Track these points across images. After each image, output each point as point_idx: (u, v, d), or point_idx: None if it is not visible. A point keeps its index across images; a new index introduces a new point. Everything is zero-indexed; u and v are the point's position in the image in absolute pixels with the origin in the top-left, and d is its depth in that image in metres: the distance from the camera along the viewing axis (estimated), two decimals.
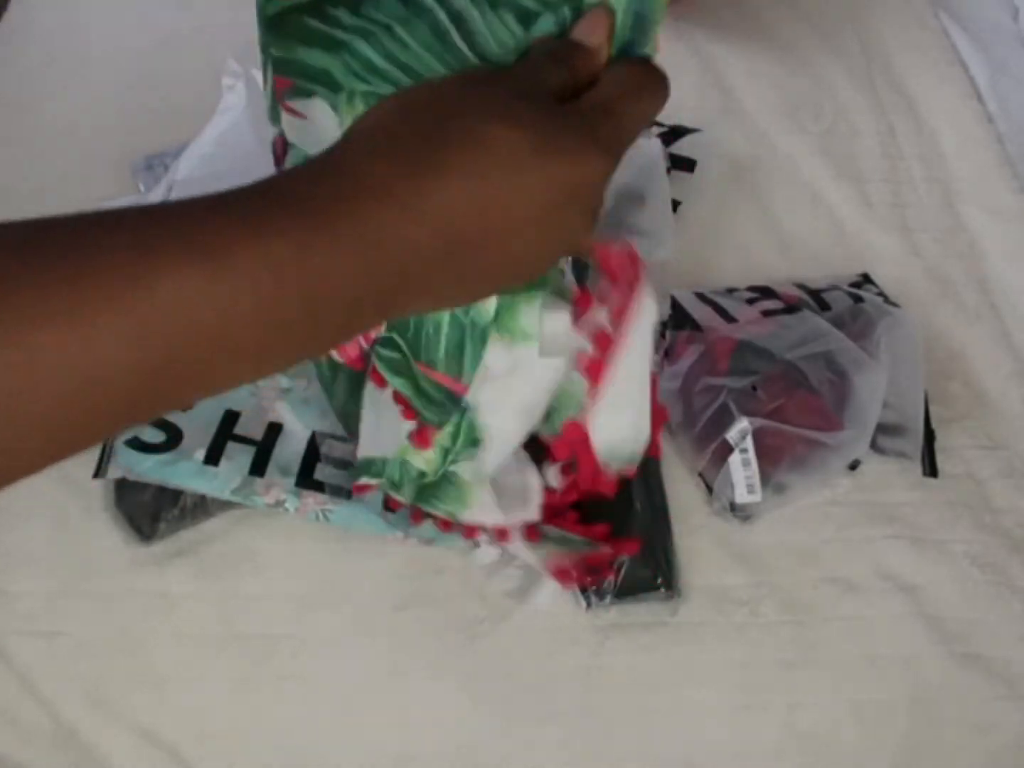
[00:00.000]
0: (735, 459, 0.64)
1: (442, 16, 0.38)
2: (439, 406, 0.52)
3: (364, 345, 0.56)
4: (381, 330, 0.53)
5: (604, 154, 0.32)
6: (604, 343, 0.50)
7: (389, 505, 0.63)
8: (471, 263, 0.31)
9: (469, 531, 0.60)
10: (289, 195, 0.28)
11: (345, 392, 0.62)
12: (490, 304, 0.44)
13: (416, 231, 0.29)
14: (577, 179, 0.31)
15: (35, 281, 0.24)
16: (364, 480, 0.60)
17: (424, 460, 0.55)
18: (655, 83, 0.36)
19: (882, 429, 0.67)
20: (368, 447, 0.59)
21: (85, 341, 0.24)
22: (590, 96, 0.33)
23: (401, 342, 0.52)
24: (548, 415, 0.52)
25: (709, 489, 0.66)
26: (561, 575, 0.60)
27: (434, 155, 0.29)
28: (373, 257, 0.28)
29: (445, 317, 0.48)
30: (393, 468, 0.58)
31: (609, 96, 0.34)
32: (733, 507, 0.65)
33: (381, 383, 0.55)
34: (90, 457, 0.65)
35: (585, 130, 0.32)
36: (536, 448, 0.55)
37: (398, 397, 0.55)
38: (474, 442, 0.53)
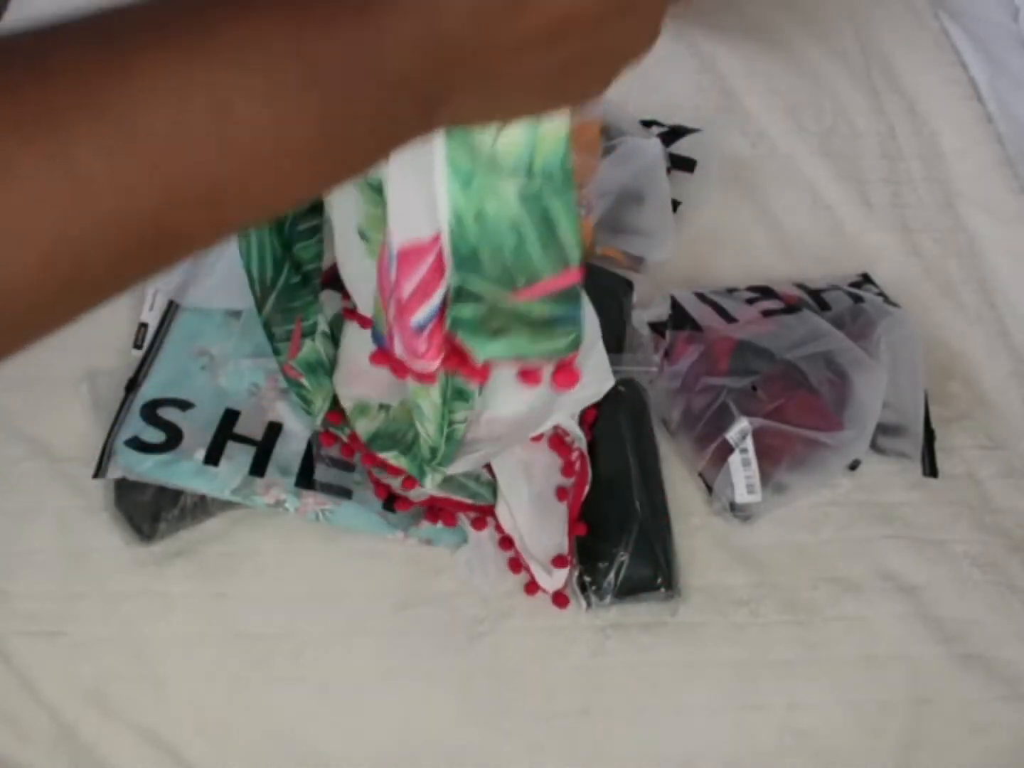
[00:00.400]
0: (735, 459, 0.64)
1: None
2: (562, 325, 0.44)
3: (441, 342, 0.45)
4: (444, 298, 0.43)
5: None
6: None
7: (392, 506, 0.63)
8: (522, 42, 0.25)
9: (479, 521, 0.60)
10: None
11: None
12: (557, 145, 0.35)
13: (450, 8, 0.24)
14: None
15: None
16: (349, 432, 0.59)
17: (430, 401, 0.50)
18: None
19: (882, 429, 0.67)
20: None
21: (61, 152, 0.20)
22: None
23: (479, 284, 0.41)
24: None
25: (709, 489, 0.66)
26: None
27: None
28: (394, 38, 0.23)
29: (514, 207, 0.37)
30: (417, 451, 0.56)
31: None
32: (733, 507, 0.65)
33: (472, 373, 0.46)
34: (90, 457, 0.65)
35: None
36: None
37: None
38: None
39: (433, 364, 0.46)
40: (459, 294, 0.41)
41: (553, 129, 0.34)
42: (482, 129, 0.33)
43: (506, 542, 0.62)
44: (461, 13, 0.23)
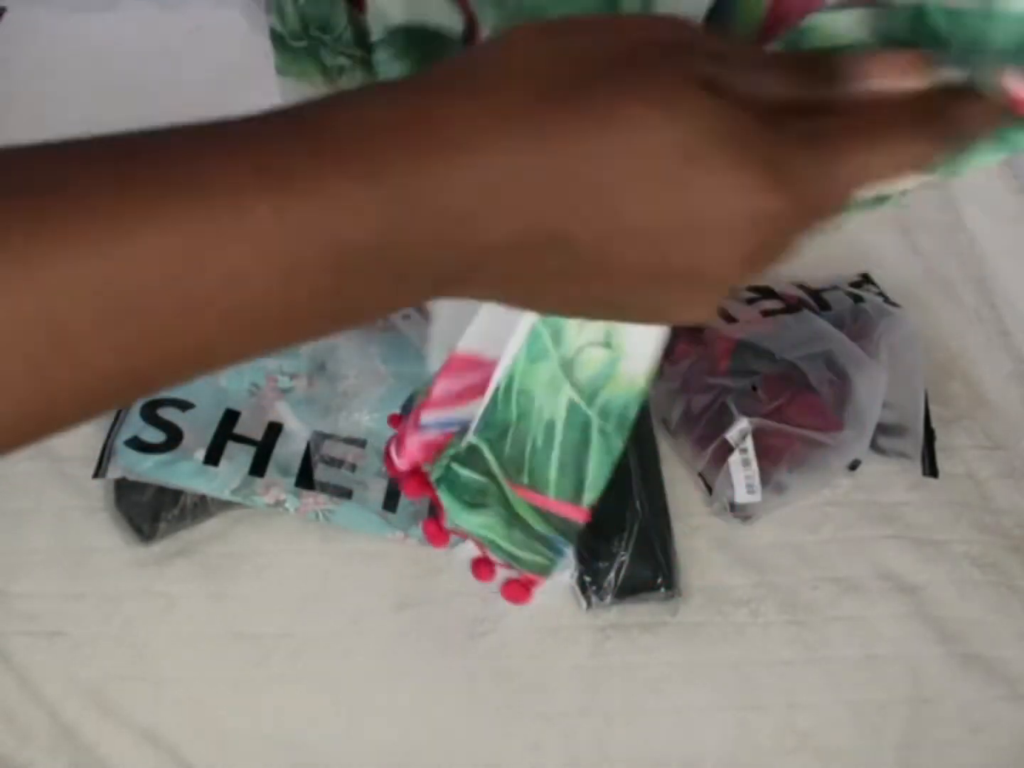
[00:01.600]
0: (735, 459, 0.64)
1: None
2: (543, 543, 0.43)
3: (421, 459, 0.45)
4: (451, 439, 0.41)
5: (795, 199, 0.23)
6: None
7: (393, 506, 0.63)
8: (554, 268, 0.23)
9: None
10: (327, 131, 0.21)
11: None
12: (627, 394, 0.35)
13: (474, 200, 0.21)
14: (738, 216, 0.22)
15: None
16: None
17: None
18: (936, 126, 0.25)
19: (882, 429, 0.67)
20: None
21: (42, 295, 0.19)
22: (816, 122, 0.24)
23: (490, 456, 0.40)
24: None
25: (709, 489, 0.66)
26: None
27: (566, 122, 0.21)
28: (435, 221, 0.21)
29: (560, 415, 0.36)
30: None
31: (850, 129, 0.24)
32: (733, 507, 0.65)
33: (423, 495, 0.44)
34: (90, 457, 0.65)
35: (783, 157, 0.23)
36: None
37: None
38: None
39: (401, 464, 0.44)
40: (468, 452, 0.40)
41: (631, 376, 0.33)
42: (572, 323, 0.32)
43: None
44: (485, 209, 0.21)
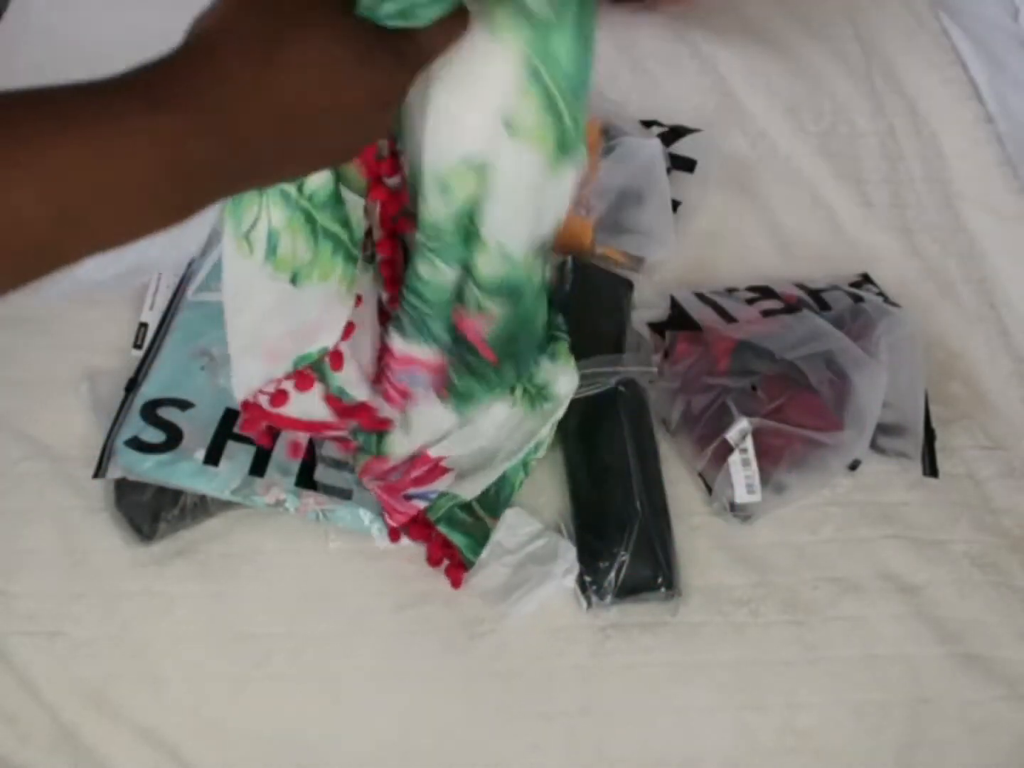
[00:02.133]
0: (735, 459, 0.64)
1: None
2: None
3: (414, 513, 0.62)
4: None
5: (408, 71, 0.40)
6: None
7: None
8: (297, 141, 0.37)
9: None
10: (160, 82, 0.34)
11: None
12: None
13: (258, 114, 0.35)
14: (386, 89, 0.39)
15: None
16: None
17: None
18: (458, 25, 0.42)
19: (882, 429, 0.67)
20: None
21: (3, 197, 0.29)
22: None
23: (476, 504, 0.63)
24: None
25: (709, 489, 0.66)
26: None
27: (277, 54, 0.35)
28: (225, 135, 0.34)
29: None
30: None
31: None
32: (733, 507, 0.65)
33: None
34: (90, 457, 0.65)
35: (396, 48, 0.38)
36: None
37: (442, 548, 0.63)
38: None
39: (400, 519, 0.61)
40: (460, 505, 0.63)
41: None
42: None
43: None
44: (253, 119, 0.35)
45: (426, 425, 0.62)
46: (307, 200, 0.50)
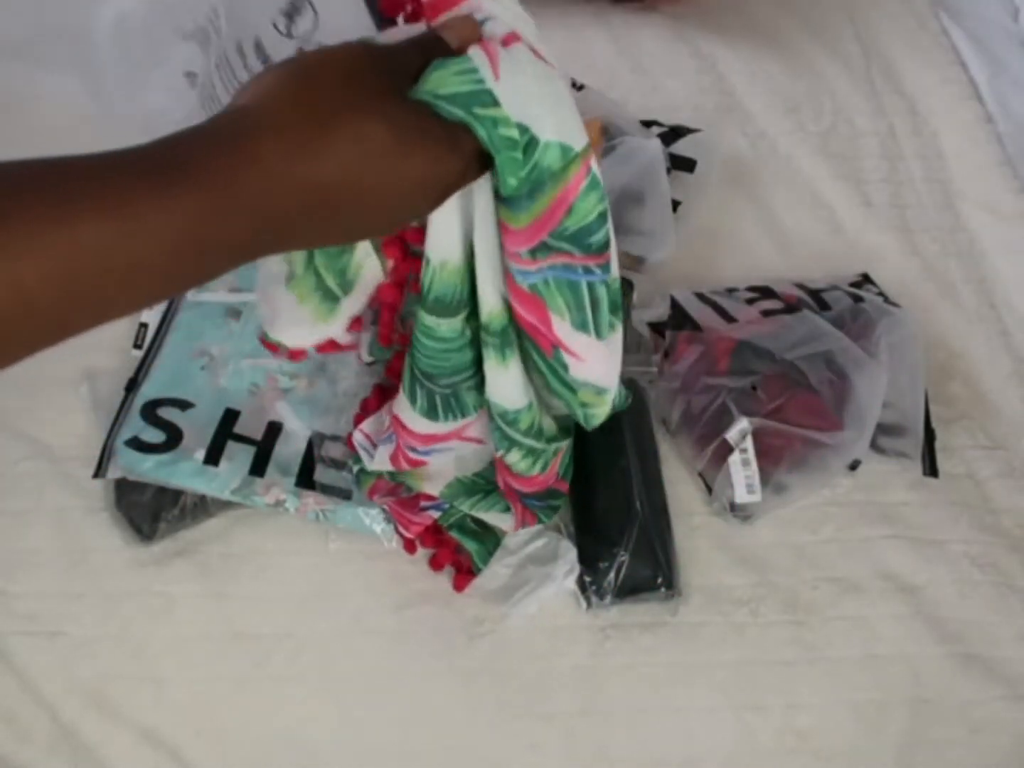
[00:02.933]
0: (735, 459, 0.64)
1: None
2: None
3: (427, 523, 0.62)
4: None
5: (460, 158, 0.37)
6: None
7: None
8: (329, 222, 0.36)
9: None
10: (187, 161, 0.32)
11: None
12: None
13: (291, 199, 0.34)
14: (432, 177, 0.37)
15: None
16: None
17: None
18: None
19: (882, 429, 0.67)
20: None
21: (10, 276, 0.28)
22: None
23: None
24: None
25: (709, 489, 0.66)
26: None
27: (314, 141, 0.34)
28: (252, 217, 0.33)
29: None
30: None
31: None
32: (733, 507, 0.65)
33: None
34: (90, 457, 0.65)
35: (451, 135, 0.36)
36: None
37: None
38: None
39: (415, 530, 0.62)
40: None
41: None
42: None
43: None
44: (286, 193, 0.34)
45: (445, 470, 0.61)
46: None
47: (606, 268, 0.42)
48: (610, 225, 0.41)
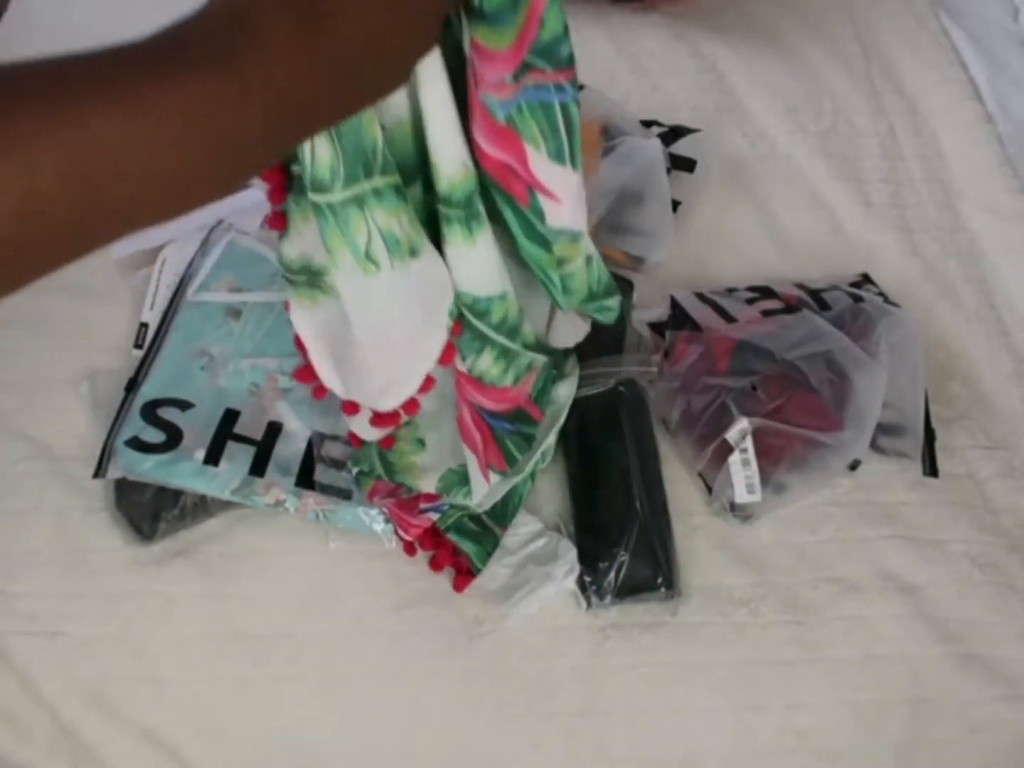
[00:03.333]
0: (735, 459, 0.64)
1: None
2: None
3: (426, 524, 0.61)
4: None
5: None
6: None
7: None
8: (342, 90, 0.34)
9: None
10: (187, 45, 0.30)
11: None
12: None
13: (305, 74, 0.32)
14: (428, 23, 0.35)
15: None
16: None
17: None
18: None
19: (882, 429, 0.67)
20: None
21: (23, 179, 0.26)
22: None
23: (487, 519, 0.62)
24: None
25: (709, 489, 0.66)
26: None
27: (317, 5, 0.32)
28: (265, 102, 0.31)
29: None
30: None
31: None
32: (733, 507, 0.65)
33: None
34: (90, 457, 0.65)
35: None
36: None
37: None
38: None
39: (414, 533, 0.61)
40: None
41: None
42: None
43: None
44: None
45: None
46: (392, 175, 0.44)
47: (575, 84, 0.41)
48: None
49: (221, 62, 0.30)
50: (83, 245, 0.29)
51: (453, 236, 0.44)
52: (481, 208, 0.44)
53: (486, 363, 0.50)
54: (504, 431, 0.56)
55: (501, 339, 0.49)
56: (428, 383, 0.51)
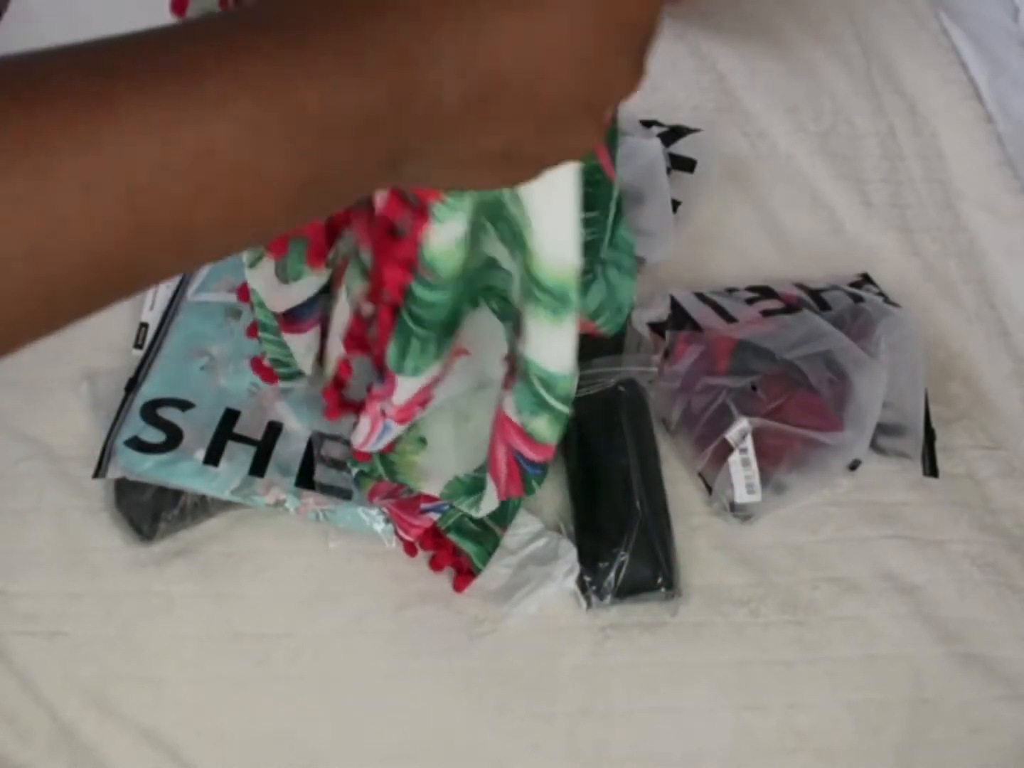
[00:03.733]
0: (735, 459, 0.64)
1: None
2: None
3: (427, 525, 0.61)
4: None
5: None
6: None
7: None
8: (497, 114, 0.25)
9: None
10: (269, 14, 0.23)
11: None
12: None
13: (437, 67, 0.24)
14: (635, 15, 0.26)
15: None
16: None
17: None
18: None
19: (882, 429, 0.67)
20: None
21: (38, 187, 0.20)
22: None
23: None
24: None
25: (709, 489, 0.66)
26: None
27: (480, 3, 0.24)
28: (376, 86, 0.23)
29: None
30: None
31: None
32: (733, 507, 0.65)
33: None
34: (90, 457, 0.65)
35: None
36: None
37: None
38: None
39: (415, 533, 0.62)
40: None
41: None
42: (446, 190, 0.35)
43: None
44: (446, 72, 0.24)
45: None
46: None
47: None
48: None
49: (297, 26, 0.23)
50: (142, 281, 0.23)
51: (538, 316, 0.42)
52: (575, 297, 0.40)
53: (541, 425, 0.49)
54: (532, 473, 0.56)
55: (560, 407, 0.48)
56: (423, 399, 0.51)
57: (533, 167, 0.29)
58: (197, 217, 0.22)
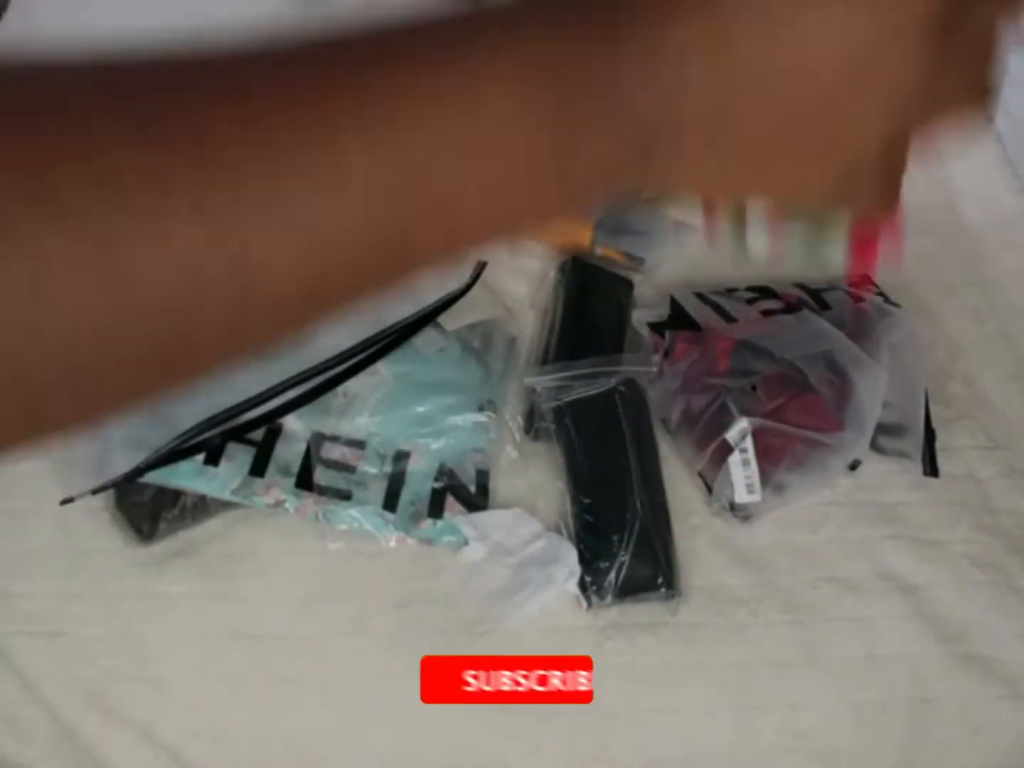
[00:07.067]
0: (735, 459, 0.64)
1: None
2: None
3: None
4: None
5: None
6: None
7: (392, 506, 0.63)
8: (745, 127, 0.24)
9: None
10: (567, 18, 0.22)
11: None
12: None
13: (685, 69, 0.22)
14: (920, 8, 0.23)
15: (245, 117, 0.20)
16: None
17: None
18: None
19: (882, 429, 0.67)
20: None
21: (333, 163, 0.20)
22: None
23: None
24: None
25: (709, 489, 0.66)
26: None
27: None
28: (621, 101, 0.22)
29: None
30: None
31: None
32: (733, 507, 0.65)
33: None
34: (90, 457, 0.65)
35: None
36: None
37: None
38: None
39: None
40: None
41: None
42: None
43: None
44: (704, 51, 0.22)
45: None
46: None
47: None
48: None
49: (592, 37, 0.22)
50: (306, 323, 0.22)
51: None
52: None
53: None
54: None
55: None
56: None
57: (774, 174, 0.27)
58: (464, 195, 0.22)
